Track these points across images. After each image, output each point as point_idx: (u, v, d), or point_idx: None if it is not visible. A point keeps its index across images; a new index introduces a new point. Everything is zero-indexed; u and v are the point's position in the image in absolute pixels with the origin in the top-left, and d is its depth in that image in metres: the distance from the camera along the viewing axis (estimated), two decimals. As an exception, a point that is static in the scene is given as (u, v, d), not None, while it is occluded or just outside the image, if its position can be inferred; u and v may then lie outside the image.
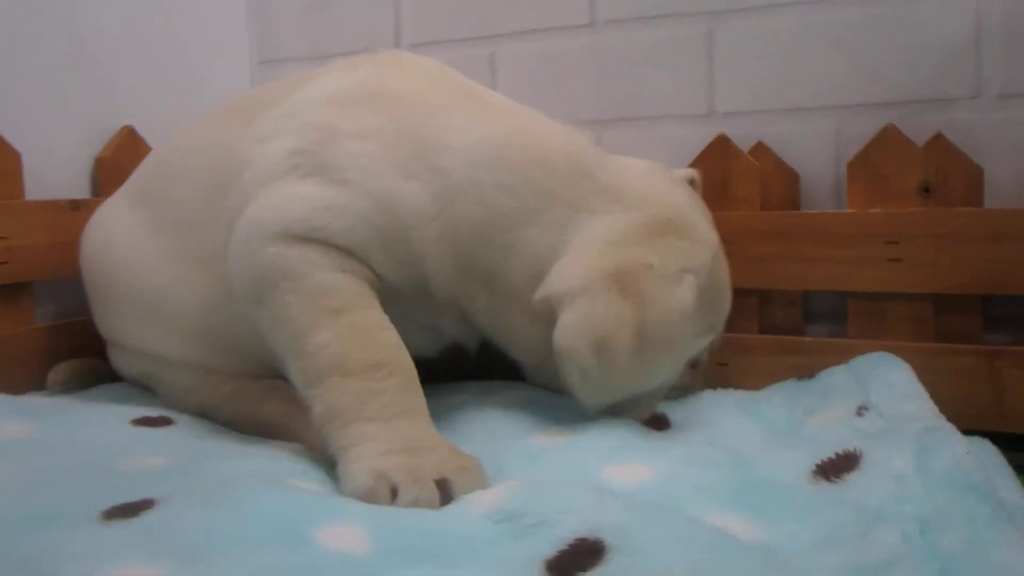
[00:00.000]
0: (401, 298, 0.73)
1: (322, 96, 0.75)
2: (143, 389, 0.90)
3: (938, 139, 0.91)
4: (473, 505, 0.56)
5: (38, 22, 1.03)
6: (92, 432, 0.72)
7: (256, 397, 0.79)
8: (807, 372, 0.90)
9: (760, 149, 1.00)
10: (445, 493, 0.57)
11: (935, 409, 0.71)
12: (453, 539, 0.51)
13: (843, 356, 0.89)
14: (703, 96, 1.05)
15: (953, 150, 0.90)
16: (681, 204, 0.78)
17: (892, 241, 0.91)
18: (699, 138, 1.02)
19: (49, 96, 1.04)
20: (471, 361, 0.90)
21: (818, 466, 0.61)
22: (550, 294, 0.70)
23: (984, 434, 0.79)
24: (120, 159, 1.10)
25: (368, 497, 0.56)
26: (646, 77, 1.07)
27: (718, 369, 0.98)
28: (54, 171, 1.04)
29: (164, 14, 1.20)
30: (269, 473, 0.61)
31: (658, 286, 0.69)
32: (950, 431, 0.62)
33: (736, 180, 0.99)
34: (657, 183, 0.79)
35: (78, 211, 1.00)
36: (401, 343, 0.68)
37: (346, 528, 0.50)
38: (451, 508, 0.56)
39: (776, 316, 1.00)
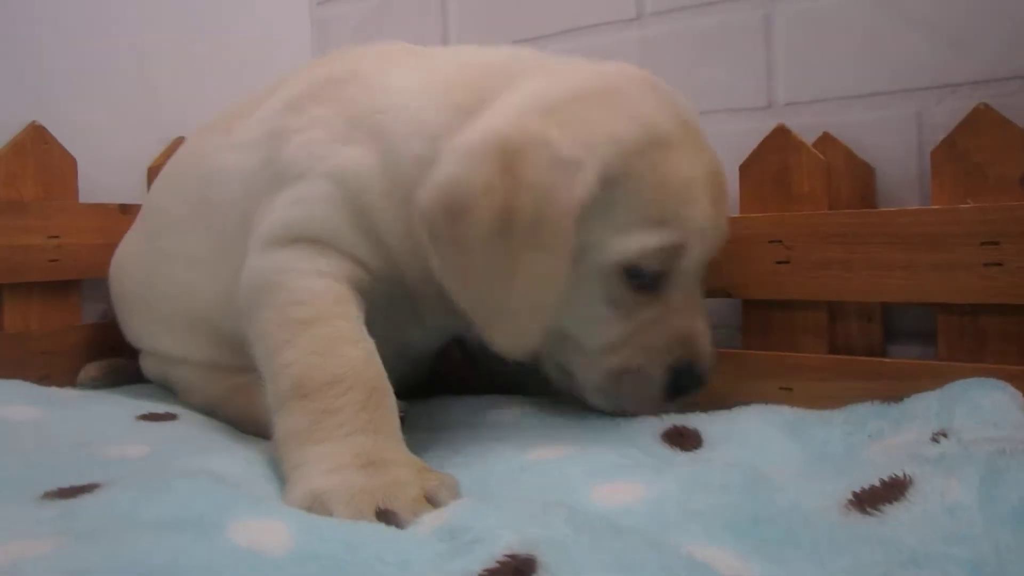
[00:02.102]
0: (391, 299, 0.70)
1: (282, 102, 0.76)
2: (166, 390, 0.92)
3: (1045, 118, 0.75)
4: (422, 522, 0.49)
5: (101, 37, 1.08)
6: (93, 422, 0.74)
7: (252, 395, 0.76)
8: (888, 398, 0.75)
9: (827, 141, 0.87)
10: (390, 523, 0.49)
11: (1032, 438, 0.56)
12: (385, 552, 0.44)
13: (932, 381, 0.74)
14: (761, 86, 0.93)
15: (1065, 131, 0.75)
16: (622, 79, 0.68)
17: (990, 242, 0.75)
18: (758, 132, 0.90)
19: (107, 107, 1.09)
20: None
21: (856, 495, 0.48)
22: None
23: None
24: None
25: None
26: (698, 69, 0.97)
27: (780, 394, 0.84)
28: (108, 177, 1.09)
29: (227, 31, 1.23)
30: (224, 472, 0.57)
31: (545, 168, 0.60)
32: (1036, 457, 0.47)
33: (798, 176, 0.87)
34: (608, 66, 0.71)
35: (127, 215, 1.06)
36: (370, 357, 0.62)
37: (268, 525, 0.45)
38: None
39: (850, 333, 0.85)
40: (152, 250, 0.86)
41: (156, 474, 0.53)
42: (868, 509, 0.45)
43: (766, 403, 0.77)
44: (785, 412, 0.71)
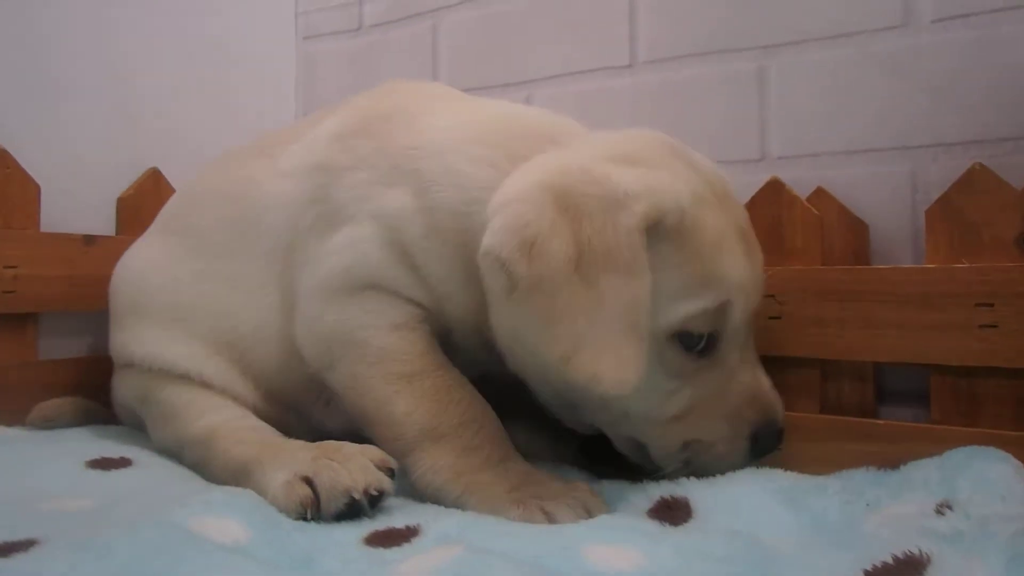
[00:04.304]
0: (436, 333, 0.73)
1: (330, 133, 0.78)
2: (123, 431, 0.88)
3: (1040, 181, 0.75)
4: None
5: (77, 58, 1.04)
6: (36, 470, 0.71)
7: (232, 437, 0.74)
8: (881, 462, 0.73)
9: (821, 196, 0.86)
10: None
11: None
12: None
13: (925, 444, 0.72)
14: (754, 139, 0.93)
15: (1060, 194, 0.74)
16: (654, 145, 0.69)
17: (984, 303, 0.74)
18: (751, 185, 0.89)
19: (78, 133, 1.05)
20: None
21: (867, 573, 0.44)
22: (484, 217, 0.63)
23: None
24: (142, 199, 1.10)
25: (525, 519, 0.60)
26: (690, 120, 0.97)
27: (769, 455, 0.81)
28: (74, 205, 1.04)
29: (211, 63, 1.20)
30: (176, 522, 0.53)
31: (600, 198, 0.61)
32: (1059, 538, 0.45)
33: (791, 230, 0.85)
34: (637, 133, 0.72)
35: (92, 246, 1.01)
36: (478, 394, 0.70)
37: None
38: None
39: (842, 393, 0.83)
40: (188, 267, 0.83)
41: (95, 532, 0.49)
42: (884, 590, 0.42)
43: (758, 466, 0.74)
44: (778, 478, 0.68)
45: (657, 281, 0.62)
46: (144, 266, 0.88)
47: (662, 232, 0.62)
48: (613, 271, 0.60)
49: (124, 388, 0.88)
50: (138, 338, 0.85)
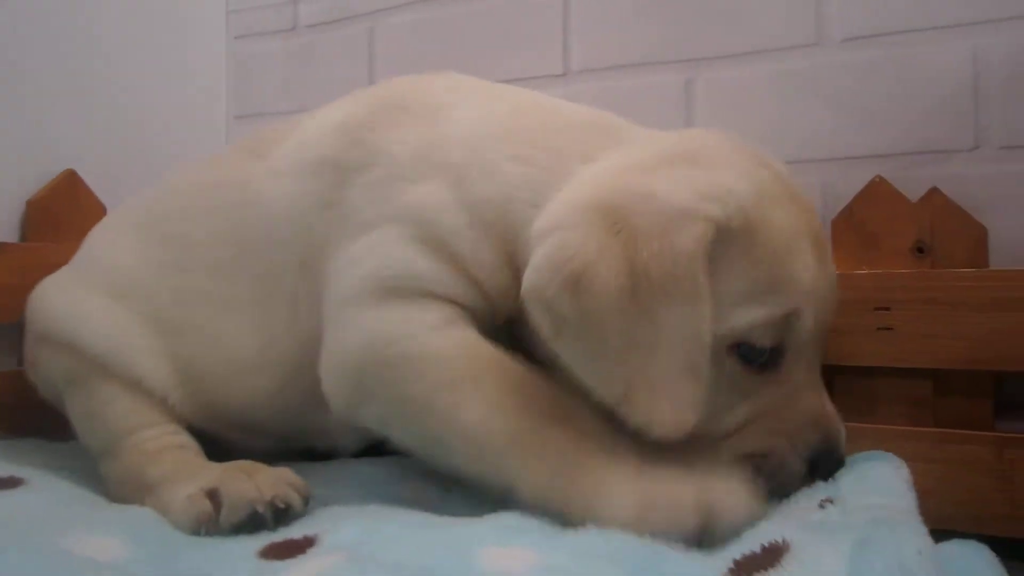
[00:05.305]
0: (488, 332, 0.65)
1: (334, 124, 0.71)
2: (20, 446, 0.83)
3: (934, 193, 0.80)
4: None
5: None
6: None
7: (150, 455, 0.71)
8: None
9: (737, 205, 0.90)
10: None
11: (910, 508, 0.59)
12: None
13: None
14: (678, 148, 0.96)
15: (951, 206, 0.79)
16: (715, 142, 0.63)
17: (882, 307, 0.79)
18: (673, 193, 0.93)
19: None
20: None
21: (737, 562, 0.49)
22: (528, 242, 0.57)
23: (994, 540, 0.65)
24: (56, 203, 1.02)
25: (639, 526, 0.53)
26: (619, 129, 1.00)
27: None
28: None
29: (131, 60, 1.15)
30: (47, 543, 0.51)
31: (657, 218, 0.55)
32: (907, 526, 0.49)
33: (709, 237, 0.89)
34: (694, 132, 0.67)
35: None
36: (555, 383, 0.59)
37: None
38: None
39: (756, 392, 0.88)
40: (174, 283, 0.76)
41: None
42: (744, 579, 0.46)
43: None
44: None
45: (720, 287, 0.56)
46: (122, 264, 0.79)
47: (727, 237, 0.56)
48: (672, 301, 0.54)
49: (54, 364, 0.78)
50: (98, 323, 0.76)
